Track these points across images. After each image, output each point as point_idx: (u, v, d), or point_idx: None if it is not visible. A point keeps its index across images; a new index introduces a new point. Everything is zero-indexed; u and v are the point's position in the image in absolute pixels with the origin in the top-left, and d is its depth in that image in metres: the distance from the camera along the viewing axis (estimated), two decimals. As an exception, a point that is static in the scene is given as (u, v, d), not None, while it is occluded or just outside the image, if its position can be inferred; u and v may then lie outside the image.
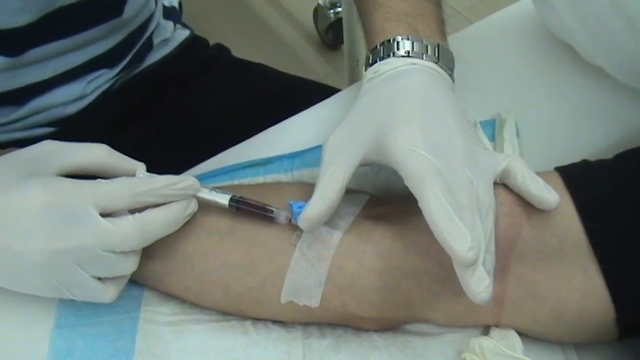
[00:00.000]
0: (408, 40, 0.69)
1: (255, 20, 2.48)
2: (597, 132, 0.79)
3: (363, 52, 1.48)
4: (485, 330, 0.66)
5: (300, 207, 0.62)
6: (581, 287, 0.61)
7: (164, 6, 1.05)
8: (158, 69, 1.03)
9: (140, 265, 0.63)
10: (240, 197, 0.65)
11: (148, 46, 1.01)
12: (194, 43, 1.10)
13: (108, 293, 0.62)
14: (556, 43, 0.85)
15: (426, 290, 0.63)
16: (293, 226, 0.64)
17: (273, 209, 0.64)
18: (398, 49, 0.69)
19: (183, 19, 1.12)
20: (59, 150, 0.63)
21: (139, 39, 0.98)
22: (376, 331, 0.67)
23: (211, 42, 1.16)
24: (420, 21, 0.71)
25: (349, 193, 0.65)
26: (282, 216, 0.64)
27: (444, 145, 0.61)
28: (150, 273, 0.66)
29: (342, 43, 1.63)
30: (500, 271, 0.61)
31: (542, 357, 0.65)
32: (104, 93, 0.96)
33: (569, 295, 0.61)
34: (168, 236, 0.63)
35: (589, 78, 0.83)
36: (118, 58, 0.95)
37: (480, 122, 0.79)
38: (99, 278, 0.61)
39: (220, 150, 0.82)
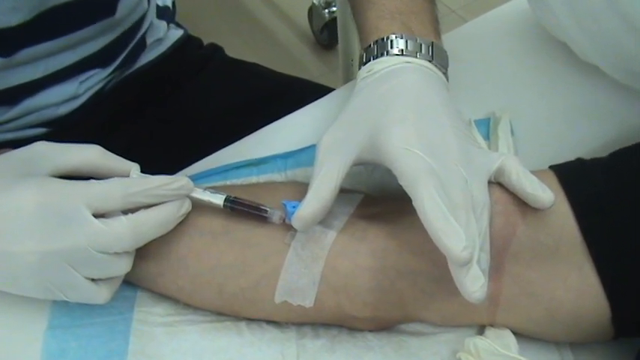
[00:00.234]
0: (402, 38, 0.69)
1: (249, 20, 2.48)
2: (592, 130, 0.79)
3: (357, 51, 1.48)
4: (481, 329, 0.66)
5: (294, 207, 0.62)
6: (576, 286, 0.61)
7: (157, 5, 1.04)
8: (151, 69, 1.03)
9: (133, 266, 0.63)
10: (235, 197, 0.64)
11: (141, 45, 1.00)
12: (188, 42, 1.10)
13: (101, 294, 0.62)
14: (551, 42, 0.85)
15: (421, 290, 0.63)
16: (287, 226, 0.63)
17: (267, 209, 0.64)
18: (391, 47, 0.68)
19: (177, 18, 1.12)
20: (52, 151, 0.63)
21: (131, 39, 0.97)
22: (370, 331, 0.67)
23: (205, 42, 1.16)
24: (414, 19, 0.71)
25: (343, 192, 0.65)
26: (275, 216, 0.63)
27: (438, 143, 0.61)
28: (143, 273, 0.66)
29: (337, 42, 1.63)
30: (495, 270, 0.61)
31: (537, 356, 0.65)
32: (97, 93, 0.95)
33: (564, 294, 0.61)
34: (161, 237, 0.63)
35: (584, 76, 0.83)
36: (111, 58, 0.95)
37: (475, 121, 0.79)
38: (92, 279, 0.61)
39: (214, 150, 0.82)
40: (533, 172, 0.62)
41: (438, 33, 0.74)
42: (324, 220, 0.63)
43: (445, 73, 0.71)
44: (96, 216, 0.58)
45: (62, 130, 0.94)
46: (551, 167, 0.66)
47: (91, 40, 0.90)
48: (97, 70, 0.94)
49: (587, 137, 0.79)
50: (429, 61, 0.68)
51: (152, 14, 1.02)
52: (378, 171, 0.75)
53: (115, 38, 0.93)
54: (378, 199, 0.72)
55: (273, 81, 1.13)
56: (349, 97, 0.69)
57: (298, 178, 0.77)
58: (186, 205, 0.64)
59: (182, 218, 0.64)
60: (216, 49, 1.14)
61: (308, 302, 0.62)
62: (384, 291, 0.62)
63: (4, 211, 0.58)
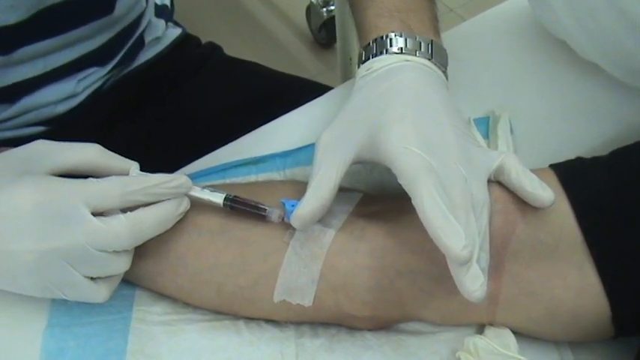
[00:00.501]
0: (401, 36, 0.68)
1: (247, 18, 2.48)
2: (592, 129, 0.79)
3: (355, 50, 1.48)
4: (480, 329, 0.66)
5: (292, 205, 0.62)
6: (576, 285, 0.61)
7: (155, 4, 1.04)
8: (150, 67, 1.03)
9: (132, 265, 0.63)
10: (234, 196, 0.64)
11: (140, 44, 1.00)
12: (186, 41, 1.10)
13: (100, 293, 0.61)
14: (550, 40, 0.85)
15: (420, 289, 0.62)
16: (286, 225, 0.63)
17: (266, 208, 0.64)
18: (391, 45, 0.68)
19: (175, 17, 1.12)
20: (51, 150, 0.63)
21: (130, 37, 0.97)
22: (369, 330, 0.67)
23: (203, 40, 1.16)
24: (413, 17, 0.71)
25: (342, 191, 0.64)
26: (274, 214, 0.63)
27: (437, 142, 0.61)
28: (142, 272, 0.66)
29: (335, 41, 1.63)
30: (495, 269, 0.61)
31: (536, 356, 0.65)
32: (95, 92, 0.95)
33: (563, 293, 0.61)
34: (160, 235, 0.63)
35: (583, 74, 0.83)
36: (109, 56, 0.95)
37: (474, 119, 0.79)
38: (91, 278, 0.61)
39: (213, 149, 0.82)
40: (532, 171, 0.62)
41: (437, 31, 0.73)
42: (323, 218, 0.63)
43: (444, 72, 0.71)
44: (94, 214, 0.58)
45: (61, 128, 0.94)
46: (551, 166, 0.66)
47: (89, 39, 0.90)
48: (95, 69, 0.94)
49: (587, 136, 0.78)
50: (429, 60, 0.68)
51: (150, 13, 1.02)
52: (377, 170, 0.75)
53: (113, 36, 0.93)
54: (377, 197, 0.71)
55: (271, 80, 1.13)
56: (348, 96, 0.69)
57: (297, 177, 0.76)
58: (185, 204, 0.64)
59: (181, 217, 0.64)
60: (214, 48, 1.14)
61: (307, 301, 0.62)
62: (383, 290, 0.62)
63: (2, 210, 0.58)
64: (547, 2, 0.76)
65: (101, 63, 0.94)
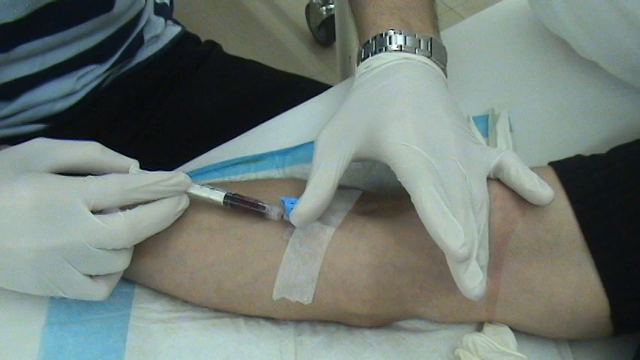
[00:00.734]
0: (401, 34, 0.68)
1: (247, 17, 2.48)
2: (591, 127, 0.79)
3: (355, 48, 1.48)
4: (479, 326, 0.66)
5: (292, 203, 0.62)
6: (575, 282, 0.61)
7: (155, 2, 1.04)
8: (149, 65, 1.03)
9: (131, 262, 0.63)
10: (235, 194, 0.64)
11: (139, 42, 1.00)
12: (185, 39, 1.10)
13: (100, 291, 0.61)
14: (550, 38, 0.85)
15: (419, 286, 0.63)
16: (285, 223, 0.63)
17: (265, 205, 0.64)
18: (390, 43, 0.68)
19: (175, 15, 1.12)
20: (51, 147, 0.63)
21: (129, 34, 0.97)
22: (369, 327, 0.67)
23: (203, 39, 1.16)
24: (413, 15, 0.71)
25: (341, 189, 0.65)
26: (274, 212, 0.63)
27: (436, 140, 0.61)
28: (141, 270, 0.66)
29: (334, 39, 1.63)
30: (494, 266, 0.61)
31: (536, 353, 0.65)
32: (94, 90, 0.95)
33: (563, 290, 0.61)
34: (159, 233, 0.63)
35: (583, 73, 0.83)
36: (108, 54, 0.95)
37: (473, 117, 0.79)
38: (90, 276, 0.61)
39: (212, 147, 0.82)
40: (532, 169, 0.62)
41: (436, 29, 0.73)
42: (323, 216, 0.63)
43: (444, 69, 0.71)
44: (94, 212, 0.58)
45: (60, 126, 0.94)
46: (551, 164, 0.66)
47: (88, 36, 0.90)
48: (94, 66, 0.94)
49: (587, 134, 0.78)
50: (428, 57, 0.68)
51: (149, 10, 1.02)
52: (376, 167, 0.75)
53: (112, 34, 0.93)
54: (376, 195, 0.72)
55: (270, 78, 1.13)
56: (347, 94, 0.69)
57: (296, 175, 0.76)
58: (184, 202, 0.64)
59: (180, 214, 0.64)
60: (213, 46, 1.14)
61: (306, 299, 0.62)
62: (382, 287, 0.62)
63: (2, 208, 0.58)
64: (547, 1, 0.76)
65: (100, 60, 0.94)
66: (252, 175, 0.77)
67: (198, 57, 1.10)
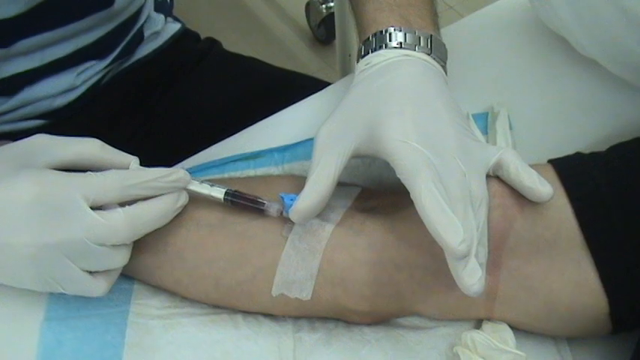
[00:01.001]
0: (401, 31, 0.68)
1: (247, 15, 2.48)
2: (591, 124, 0.79)
3: (354, 46, 1.48)
4: (478, 323, 0.66)
5: (291, 199, 0.62)
6: (574, 280, 0.61)
7: (155, -1, 1.04)
8: (149, 62, 1.03)
9: (130, 258, 0.63)
10: (235, 191, 0.64)
11: (139, 38, 1.00)
12: (185, 36, 1.10)
13: (99, 287, 0.61)
14: (549, 36, 0.85)
15: (418, 283, 0.63)
16: (284, 219, 0.63)
17: (265, 202, 0.64)
18: (390, 40, 0.68)
19: (174, 12, 1.12)
20: (51, 144, 0.63)
21: (129, 31, 0.97)
22: (368, 324, 0.67)
23: (202, 36, 1.16)
24: (413, 12, 0.71)
25: (341, 185, 0.65)
26: (273, 209, 0.63)
27: (436, 137, 0.61)
28: (140, 266, 0.66)
29: (334, 37, 1.63)
30: (493, 263, 0.61)
31: (534, 351, 0.65)
32: (94, 85, 0.95)
33: (561, 288, 0.61)
34: (158, 229, 0.63)
35: (583, 70, 0.83)
36: (108, 50, 0.95)
37: (473, 115, 0.79)
38: (90, 272, 0.61)
39: (211, 143, 0.82)
40: (531, 166, 0.62)
41: (436, 26, 0.73)
42: (322, 213, 0.63)
43: (444, 67, 0.71)
44: (93, 208, 0.58)
45: (60, 122, 0.94)
46: (550, 161, 0.66)
47: (89, 31, 0.90)
48: (94, 62, 0.94)
49: (586, 131, 0.79)
50: (428, 54, 0.68)
51: (150, 7, 1.02)
52: (375, 164, 0.75)
53: (112, 30, 0.93)
54: (375, 192, 0.72)
55: (270, 75, 1.13)
56: (347, 91, 0.69)
57: (295, 172, 0.77)
58: (183, 198, 0.64)
59: (179, 211, 0.64)
60: (213, 44, 1.14)
61: (305, 295, 0.62)
62: (381, 284, 0.62)
63: (1, 203, 0.58)
64: (547, -2, 0.76)
65: (100, 56, 0.94)
66: (251, 172, 0.77)
67: (197, 54, 1.10)
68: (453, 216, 0.55)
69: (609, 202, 0.61)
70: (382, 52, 0.68)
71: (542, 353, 0.65)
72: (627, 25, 0.68)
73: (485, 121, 0.80)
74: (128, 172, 0.62)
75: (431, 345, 0.66)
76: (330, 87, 0.89)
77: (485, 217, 0.59)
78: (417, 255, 0.62)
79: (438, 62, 0.69)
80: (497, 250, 0.61)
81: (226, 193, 0.64)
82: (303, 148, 0.77)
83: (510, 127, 0.78)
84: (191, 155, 0.81)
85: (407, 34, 0.68)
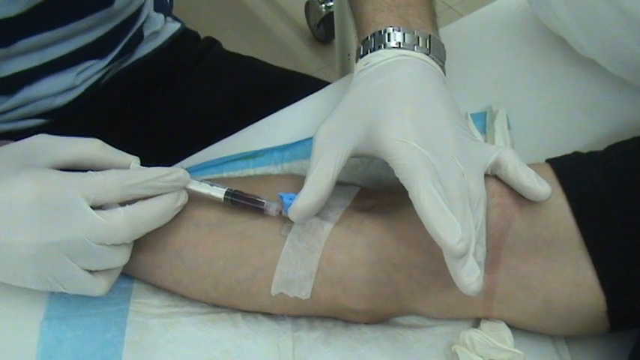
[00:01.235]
0: (399, 31, 0.69)
1: (246, 14, 2.48)
2: (589, 124, 0.80)
3: (354, 46, 1.48)
4: (476, 322, 0.66)
5: (290, 199, 0.62)
6: (572, 279, 0.61)
7: (155, -2, 1.05)
8: (148, 62, 1.03)
9: (130, 258, 0.63)
10: (236, 190, 0.65)
11: (138, 38, 1.00)
12: (184, 36, 1.10)
13: (99, 286, 0.62)
14: (548, 36, 0.86)
15: (417, 282, 0.63)
16: (283, 218, 0.64)
17: (264, 201, 0.64)
18: (389, 40, 0.68)
19: (174, 12, 1.12)
20: (52, 144, 0.63)
21: (129, 30, 0.97)
22: (366, 323, 0.67)
23: (202, 35, 1.16)
24: (412, 12, 0.71)
25: (340, 185, 0.65)
26: (272, 208, 0.64)
27: (434, 136, 0.61)
28: (140, 265, 0.66)
29: (334, 37, 1.63)
30: (491, 262, 0.61)
31: (532, 349, 0.65)
32: (93, 85, 0.95)
33: (560, 287, 0.61)
34: (158, 228, 0.63)
35: (581, 70, 0.83)
36: (108, 49, 0.95)
37: (471, 114, 0.79)
38: (90, 271, 0.61)
39: (211, 143, 0.83)
40: (529, 166, 0.62)
41: (435, 26, 0.74)
42: (321, 212, 0.64)
43: (442, 67, 0.71)
44: (94, 208, 0.59)
45: (60, 121, 0.94)
46: (548, 160, 0.66)
47: (89, 31, 0.90)
48: (94, 61, 0.94)
49: (584, 131, 0.79)
50: (427, 54, 0.68)
51: (149, 6, 1.02)
52: (374, 163, 0.75)
53: (112, 29, 0.93)
54: (374, 191, 0.72)
55: (269, 75, 1.13)
56: (346, 90, 0.69)
57: (295, 171, 0.77)
58: (183, 197, 0.64)
59: (179, 210, 0.64)
60: (213, 43, 1.14)
61: (304, 294, 0.63)
62: (380, 283, 0.63)
63: (2, 203, 0.58)
64: (545, -2, 0.76)
65: (100, 56, 0.94)
66: (250, 171, 0.77)
67: (197, 53, 1.10)
68: (451, 215, 0.55)
69: (607, 202, 0.61)
70: (381, 52, 0.68)
71: (540, 352, 0.65)
72: (626, 25, 0.68)
73: (483, 121, 0.80)
74: (128, 171, 0.62)
75: (429, 344, 0.66)
76: (329, 87, 0.89)
77: (484, 217, 0.60)
78: (416, 254, 0.62)
79: (436, 62, 0.69)
80: (496, 250, 0.62)
81: (226, 193, 0.65)
82: (303, 147, 0.77)
83: (509, 127, 0.78)
84: (190, 154, 0.81)
85: (406, 35, 0.68)
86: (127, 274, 0.68)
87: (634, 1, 0.65)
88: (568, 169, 0.64)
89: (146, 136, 1.01)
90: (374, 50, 0.69)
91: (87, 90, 0.95)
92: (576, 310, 0.62)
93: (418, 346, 0.65)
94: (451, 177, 0.59)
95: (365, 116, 0.64)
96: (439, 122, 0.63)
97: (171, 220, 0.64)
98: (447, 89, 0.68)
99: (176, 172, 0.63)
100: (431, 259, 0.62)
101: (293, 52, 2.36)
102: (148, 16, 1.01)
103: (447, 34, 0.75)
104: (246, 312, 0.67)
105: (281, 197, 0.63)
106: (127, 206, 0.60)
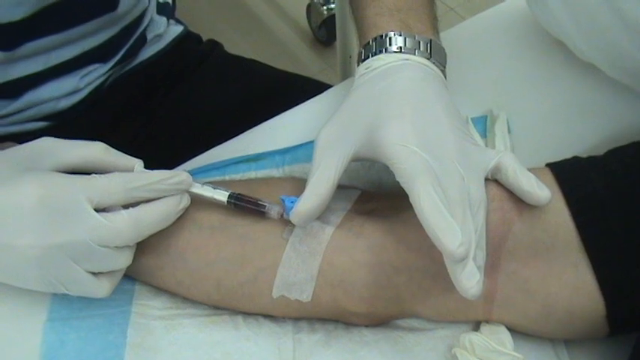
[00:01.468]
0: (401, 35, 0.69)
1: (248, 16, 2.48)
2: (589, 129, 0.80)
3: (355, 48, 1.48)
4: (476, 326, 0.66)
5: (292, 202, 0.62)
6: (571, 283, 0.61)
7: (157, 1, 1.05)
8: (151, 64, 1.03)
9: (133, 260, 0.63)
10: (239, 194, 0.65)
11: (141, 41, 1.01)
12: (187, 38, 1.10)
13: (102, 288, 0.62)
14: (548, 40, 0.86)
15: (417, 285, 0.63)
16: (285, 221, 0.64)
17: (266, 204, 0.64)
18: (390, 44, 0.69)
19: (177, 15, 1.12)
20: (56, 147, 0.63)
21: (132, 34, 0.97)
22: (367, 326, 0.67)
23: (204, 38, 1.16)
24: (413, 16, 0.71)
25: (341, 188, 0.65)
26: (274, 211, 0.64)
27: (435, 140, 0.61)
28: (142, 267, 0.67)
29: (335, 39, 1.63)
30: (491, 266, 0.62)
31: (532, 353, 0.65)
32: (97, 88, 0.95)
33: (559, 291, 0.62)
34: (160, 231, 0.63)
35: (581, 75, 0.83)
36: (111, 53, 0.95)
37: (472, 118, 0.80)
38: (93, 273, 0.61)
39: (212, 145, 0.83)
40: (529, 170, 0.63)
41: (436, 30, 0.74)
42: (322, 215, 0.64)
43: (443, 71, 0.71)
44: (97, 210, 0.59)
45: (63, 124, 0.94)
46: (548, 165, 0.66)
47: (93, 35, 0.90)
48: (97, 65, 0.94)
49: (584, 135, 0.79)
50: (428, 59, 0.69)
51: (152, 10, 1.02)
52: (375, 167, 0.75)
53: (116, 33, 0.93)
54: (375, 195, 0.72)
55: (271, 77, 1.13)
56: (347, 94, 0.69)
57: (296, 174, 0.77)
58: (186, 200, 0.64)
59: (181, 213, 0.64)
60: (215, 45, 1.15)
61: (305, 297, 0.63)
62: (380, 286, 0.63)
63: (6, 205, 0.59)
64: (544, 2, 0.76)
65: (103, 59, 0.94)
66: (252, 174, 0.77)
67: (199, 56, 1.10)
68: (451, 219, 0.55)
69: (607, 206, 0.62)
70: (382, 56, 0.69)
71: (539, 355, 0.66)
72: (624, 30, 0.68)
73: (484, 125, 0.80)
74: (132, 174, 0.63)
75: (429, 346, 0.66)
76: (330, 90, 0.89)
77: (484, 221, 0.60)
78: (416, 258, 0.62)
79: (437, 66, 0.69)
80: (496, 253, 0.62)
81: (229, 196, 0.65)
82: (304, 150, 0.78)
83: (509, 131, 0.78)
84: (192, 157, 0.81)
85: (407, 39, 0.69)
86: (130, 276, 0.68)
87: (632, 6, 0.65)
88: (568, 174, 0.64)
89: (148, 138, 1.01)
90: (375, 54, 0.69)
91: (90, 93, 0.95)
92: (576, 314, 0.62)
93: (418, 348, 0.66)
94: (451, 181, 0.59)
95: (366, 120, 0.64)
96: (440, 126, 0.63)
97: (174, 223, 0.64)
98: (448, 93, 0.68)
99: (179, 175, 0.63)
100: (431, 263, 0.62)
101: (294, 54, 2.36)
102: (151, 20, 1.02)
103: (448, 37, 0.76)
104: (247, 314, 0.68)
105: (283, 200, 0.63)
106: (130, 209, 0.60)
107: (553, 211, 0.62)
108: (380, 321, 0.67)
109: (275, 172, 0.77)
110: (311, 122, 0.82)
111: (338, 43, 1.61)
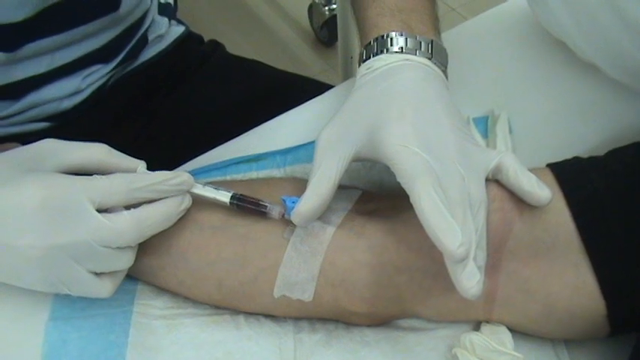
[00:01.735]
0: (402, 36, 0.69)
1: (250, 17, 2.48)
2: (590, 129, 0.80)
3: (356, 48, 1.49)
4: (477, 325, 0.66)
5: (293, 202, 0.62)
6: (572, 283, 0.61)
7: (159, 2, 1.05)
8: (153, 65, 1.03)
9: (135, 260, 0.63)
10: (241, 195, 0.65)
11: (143, 42, 1.01)
12: (189, 39, 1.10)
13: (105, 288, 0.62)
14: (549, 41, 0.86)
15: (418, 285, 0.63)
16: (286, 221, 0.64)
17: (267, 204, 0.64)
18: (391, 45, 0.69)
19: (178, 15, 1.12)
20: (58, 148, 0.63)
21: (134, 35, 0.98)
22: (368, 326, 0.67)
23: (206, 38, 1.16)
24: (414, 17, 0.71)
25: (341, 188, 0.65)
26: (275, 211, 0.64)
27: (436, 141, 0.61)
28: (144, 267, 0.67)
29: (337, 39, 1.63)
30: (492, 266, 0.62)
31: (532, 353, 0.65)
32: (99, 89, 0.96)
33: (560, 291, 0.62)
34: (162, 231, 0.63)
35: (582, 75, 0.83)
36: (113, 54, 0.95)
37: (473, 119, 0.80)
38: (96, 274, 0.61)
39: (214, 146, 0.83)
40: (530, 170, 0.63)
41: (437, 31, 0.74)
42: (323, 215, 0.64)
43: (444, 71, 0.71)
44: (99, 211, 0.59)
45: (65, 124, 0.94)
46: (549, 165, 0.66)
47: (95, 36, 0.90)
48: (99, 66, 0.94)
49: (585, 136, 0.79)
50: (429, 59, 0.69)
51: (154, 10, 1.02)
52: (376, 168, 0.75)
53: (118, 34, 0.93)
54: (376, 195, 0.72)
55: (273, 78, 1.13)
56: (348, 94, 0.69)
57: (297, 174, 0.77)
58: (187, 201, 0.64)
59: (183, 213, 0.64)
60: (216, 46, 1.15)
61: (307, 296, 0.63)
62: (381, 286, 0.63)
63: (9, 206, 0.59)
64: (545, 3, 0.76)
65: (105, 60, 0.95)
66: (253, 174, 0.77)
67: (201, 56, 1.10)
68: (451, 220, 0.55)
69: (607, 206, 0.62)
70: (383, 56, 0.69)
71: (540, 355, 0.66)
72: (625, 30, 0.68)
73: (485, 125, 0.80)
74: (133, 175, 0.63)
75: (430, 346, 0.66)
76: (331, 90, 0.89)
77: (484, 221, 0.60)
78: (417, 258, 0.62)
79: (438, 67, 0.69)
80: (497, 254, 0.62)
81: (232, 197, 0.65)
82: (305, 150, 0.78)
83: (510, 131, 0.78)
84: (194, 157, 0.82)
85: (408, 39, 0.69)
86: (132, 275, 0.68)
87: (632, 6, 0.65)
88: (568, 174, 0.64)
89: (150, 138, 1.01)
90: (376, 55, 0.69)
91: (92, 94, 0.95)
92: (576, 314, 0.62)
93: (419, 348, 0.66)
94: (452, 182, 0.59)
95: (367, 121, 0.64)
96: (440, 127, 0.63)
97: (175, 223, 0.64)
98: (449, 94, 0.68)
99: (180, 176, 0.63)
100: (432, 263, 0.62)
101: (296, 55, 2.36)
102: (152, 21, 1.02)
103: (450, 38, 0.76)
104: (248, 314, 0.68)
105: (284, 200, 0.64)
106: (132, 210, 0.61)
107: (554, 211, 0.62)
108: (381, 321, 0.67)
109: (276, 173, 0.77)
110: (312, 122, 0.82)
111: (339, 43, 1.61)
